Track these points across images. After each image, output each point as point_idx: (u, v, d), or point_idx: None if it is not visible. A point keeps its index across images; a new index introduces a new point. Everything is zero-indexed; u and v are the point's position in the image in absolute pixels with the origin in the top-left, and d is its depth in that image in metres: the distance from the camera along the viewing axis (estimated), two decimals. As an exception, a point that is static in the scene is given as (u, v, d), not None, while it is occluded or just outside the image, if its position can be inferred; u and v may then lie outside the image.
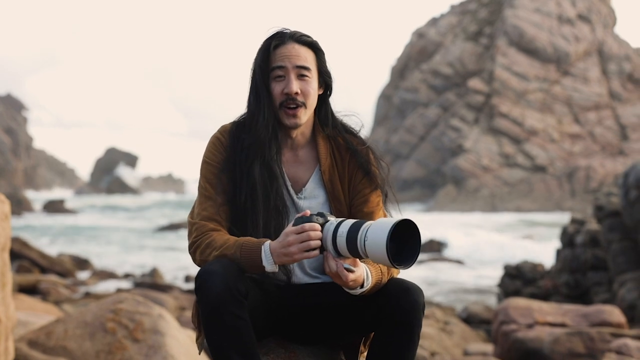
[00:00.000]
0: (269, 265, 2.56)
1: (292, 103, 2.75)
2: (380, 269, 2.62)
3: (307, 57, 2.78)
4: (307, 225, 2.48)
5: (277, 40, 2.77)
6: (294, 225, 2.51)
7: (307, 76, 2.77)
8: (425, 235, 33.38)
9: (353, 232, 2.44)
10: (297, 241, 2.49)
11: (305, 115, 2.79)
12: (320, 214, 2.53)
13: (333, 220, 2.52)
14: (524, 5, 63.39)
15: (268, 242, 2.58)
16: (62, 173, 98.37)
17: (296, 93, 2.74)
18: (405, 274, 2.79)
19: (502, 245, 30.12)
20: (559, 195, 53.34)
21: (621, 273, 14.05)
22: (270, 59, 2.77)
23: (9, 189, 65.27)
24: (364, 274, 2.55)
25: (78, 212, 51.03)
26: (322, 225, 2.50)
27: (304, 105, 2.77)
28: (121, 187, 77.44)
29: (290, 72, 2.75)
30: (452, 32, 67.73)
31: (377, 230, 2.38)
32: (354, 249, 2.44)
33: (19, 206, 46.53)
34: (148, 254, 28.04)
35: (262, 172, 2.75)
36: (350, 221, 2.48)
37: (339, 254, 2.49)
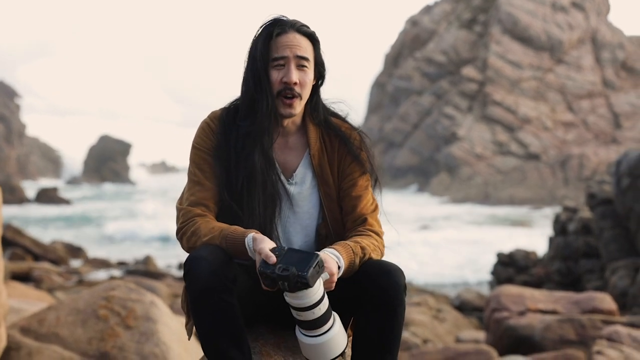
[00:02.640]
0: (254, 256, 2.57)
1: (289, 93, 2.76)
2: (353, 251, 2.63)
3: (306, 48, 2.79)
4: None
5: (279, 29, 2.77)
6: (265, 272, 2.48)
7: (305, 67, 2.78)
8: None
9: (303, 324, 2.56)
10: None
11: (300, 106, 2.80)
12: (300, 279, 2.45)
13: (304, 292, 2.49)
14: (518, -7, 63.30)
15: (252, 234, 2.59)
16: (55, 160, 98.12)
17: (295, 83, 2.75)
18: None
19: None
20: (552, 184, 53.43)
21: (613, 260, 14.11)
22: (272, 47, 2.76)
23: (1, 177, 65.12)
24: (335, 263, 2.56)
25: (71, 201, 50.94)
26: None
27: (299, 96, 2.78)
28: (116, 177, 77.31)
29: (291, 62, 2.76)
30: (446, 20, 67.63)
31: (315, 350, 2.57)
32: (296, 323, 2.58)
33: (12, 194, 46.42)
34: (142, 242, 28.05)
35: (260, 159, 2.75)
36: (310, 316, 2.52)
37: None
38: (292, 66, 2.76)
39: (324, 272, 2.50)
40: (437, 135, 60.21)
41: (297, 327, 2.60)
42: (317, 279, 2.45)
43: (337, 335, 2.56)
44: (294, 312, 2.53)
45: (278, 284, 2.45)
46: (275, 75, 2.76)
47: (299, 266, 2.42)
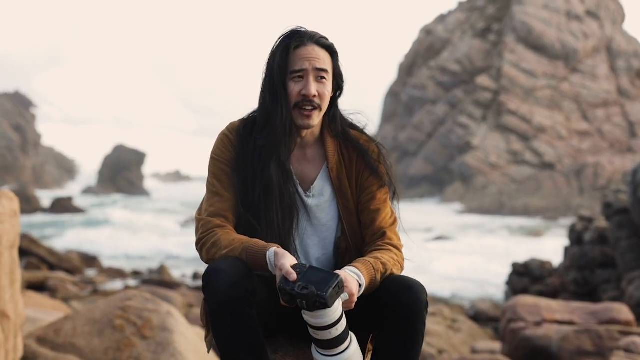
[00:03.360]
0: (274, 271, 2.57)
1: (308, 105, 2.76)
2: (373, 267, 2.62)
3: (325, 60, 2.79)
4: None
5: (297, 41, 2.77)
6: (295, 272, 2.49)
7: (324, 79, 2.78)
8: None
9: (319, 344, 2.55)
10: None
11: (319, 118, 2.80)
12: (319, 299, 2.45)
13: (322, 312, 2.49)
14: (532, 2, 63.21)
15: (274, 248, 2.59)
16: (70, 170, 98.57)
17: (314, 95, 2.75)
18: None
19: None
20: (567, 193, 53.22)
21: (630, 270, 14.02)
22: (290, 60, 2.77)
23: (17, 186, 65.42)
24: (356, 282, 2.55)
25: (86, 211, 51.10)
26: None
27: (319, 107, 2.78)
28: (131, 187, 77.57)
29: (310, 74, 2.76)
30: (460, 29, 67.60)
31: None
32: (313, 341, 2.58)
33: (28, 204, 46.63)
34: (157, 251, 28.09)
35: (277, 171, 2.76)
36: (327, 336, 2.51)
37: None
38: (311, 78, 2.76)
39: (344, 292, 2.49)
40: (452, 145, 60.10)
41: (313, 345, 2.59)
42: (336, 300, 2.45)
43: (353, 356, 2.55)
44: (311, 331, 2.53)
45: (297, 301, 2.45)
46: (294, 87, 2.76)
47: (318, 286, 2.42)
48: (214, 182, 2.80)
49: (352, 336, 2.58)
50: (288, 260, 2.51)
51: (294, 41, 2.78)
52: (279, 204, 2.76)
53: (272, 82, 2.78)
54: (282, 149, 2.77)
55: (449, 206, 54.85)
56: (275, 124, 2.75)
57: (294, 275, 2.45)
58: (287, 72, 2.77)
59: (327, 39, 2.83)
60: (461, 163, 57.95)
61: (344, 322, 2.51)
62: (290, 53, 2.77)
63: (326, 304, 2.41)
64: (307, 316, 2.48)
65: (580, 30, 62.69)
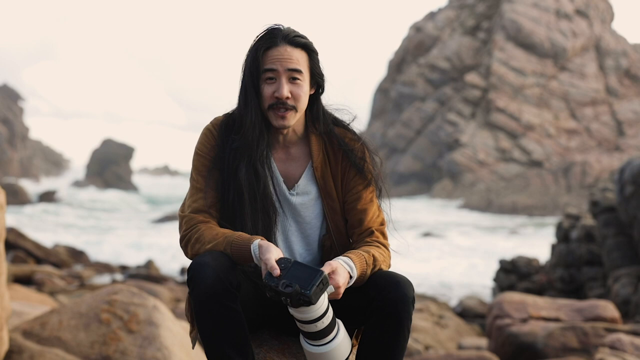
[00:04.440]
0: (259, 263, 2.57)
1: (282, 107, 2.73)
2: (366, 261, 2.63)
3: (299, 60, 2.74)
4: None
5: (269, 42, 2.73)
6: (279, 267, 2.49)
7: (298, 79, 2.74)
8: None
9: (308, 336, 2.56)
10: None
11: (295, 118, 2.77)
12: (303, 297, 2.47)
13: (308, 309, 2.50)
14: (522, 0, 63.33)
15: (258, 241, 2.58)
16: (58, 164, 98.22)
17: (287, 97, 2.72)
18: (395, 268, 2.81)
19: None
20: (555, 191, 53.39)
21: (616, 268, 14.08)
22: (261, 61, 2.73)
23: (4, 180, 65.18)
24: (346, 274, 2.56)
25: (73, 204, 50.95)
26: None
27: (294, 108, 2.75)
28: (119, 181, 77.36)
29: (282, 76, 2.72)
30: (450, 27, 67.67)
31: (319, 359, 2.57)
32: (301, 333, 2.59)
33: (15, 197, 46.46)
34: (144, 246, 28.02)
35: (248, 173, 2.74)
36: (313, 328, 2.53)
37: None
38: (284, 80, 2.72)
39: (329, 286, 2.50)
40: (440, 142, 60.20)
41: (301, 335, 2.60)
42: (320, 296, 2.45)
43: (341, 344, 2.57)
44: (297, 324, 2.54)
45: (281, 298, 2.45)
46: (267, 89, 2.73)
47: (302, 283, 2.42)
48: (197, 178, 2.79)
49: (340, 325, 2.59)
50: (273, 254, 2.51)
51: (264, 42, 2.74)
52: (250, 207, 2.74)
53: (243, 84, 2.76)
54: (253, 151, 2.74)
55: (436, 203, 54.93)
56: (247, 125, 2.73)
57: (277, 271, 2.45)
58: (259, 74, 2.74)
59: (303, 37, 2.78)
60: (450, 160, 58.05)
61: (330, 314, 2.52)
62: (261, 55, 2.73)
63: (310, 302, 2.43)
64: (293, 311, 2.50)
65: (569, 28, 62.87)
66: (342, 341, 2.57)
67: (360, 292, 2.64)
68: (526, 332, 8.53)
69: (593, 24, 64.47)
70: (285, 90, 2.71)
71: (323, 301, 2.48)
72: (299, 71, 2.73)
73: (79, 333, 5.58)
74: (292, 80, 2.73)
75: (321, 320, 2.50)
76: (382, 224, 2.85)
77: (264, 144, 2.77)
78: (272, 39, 2.74)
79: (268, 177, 2.78)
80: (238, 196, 2.73)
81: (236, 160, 2.74)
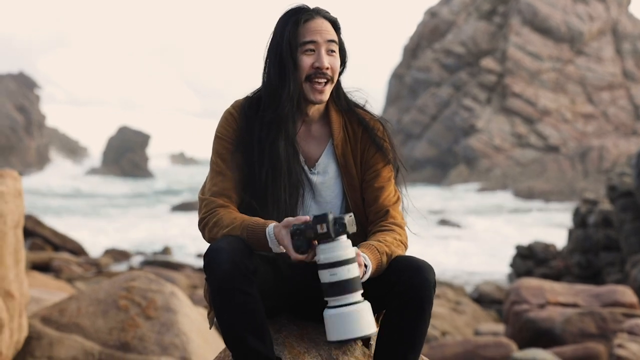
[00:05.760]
0: (275, 247, 2.58)
1: (322, 77, 2.76)
2: (378, 250, 2.61)
3: (333, 33, 2.80)
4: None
5: (307, 15, 2.78)
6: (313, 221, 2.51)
7: (334, 51, 2.79)
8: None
9: (332, 289, 2.50)
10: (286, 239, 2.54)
11: (329, 92, 2.80)
12: (339, 222, 2.49)
13: (336, 244, 2.50)
14: (537, -16, 62.88)
15: (273, 224, 2.58)
16: (75, 151, 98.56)
17: (327, 68, 2.75)
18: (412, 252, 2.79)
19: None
20: (572, 176, 53.13)
21: (633, 253, 14.02)
22: (300, 33, 2.76)
23: (21, 167, 65.51)
24: (361, 268, 2.55)
25: (90, 193, 51.20)
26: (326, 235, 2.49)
27: (331, 80, 2.78)
28: (135, 168, 77.60)
29: (322, 47, 2.76)
30: (465, 11, 67.28)
31: (346, 320, 2.49)
32: (323, 293, 2.53)
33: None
34: (162, 232, 28.15)
35: (285, 147, 2.75)
36: (343, 274, 2.48)
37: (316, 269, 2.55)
38: (323, 51, 2.76)
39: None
40: (456, 127, 59.98)
41: (326, 310, 2.54)
42: (352, 228, 2.50)
43: (366, 312, 2.51)
44: (326, 276, 2.49)
45: (313, 237, 2.47)
46: (306, 60, 2.75)
47: (334, 215, 2.49)
48: (217, 161, 2.79)
49: (366, 302, 2.56)
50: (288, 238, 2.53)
51: (303, 15, 2.77)
52: (287, 181, 2.74)
53: (279, 56, 2.76)
54: (289, 124, 2.75)
55: (453, 188, 54.81)
56: (282, 98, 2.73)
57: (303, 218, 2.50)
58: (297, 46, 2.75)
59: (330, 14, 2.83)
60: (465, 146, 57.85)
61: (357, 266, 2.51)
62: (300, 26, 2.76)
63: (345, 228, 2.46)
64: (325, 253, 2.48)
65: (585, 12, 62.38)
66: (368, 310, 2.52)
67: (380, 280, 2.62)
68: (544, 318, 8.52)
69: (610, 7, 63.92)
70: (326, 60, 2.75)
71: (350, 244, 2.51)
72: (336, 43, 2.79)
73: (97, 319, 5.61)
74: (330, 52, 2.78)
75: (353, 265, 2.48)
76: (397, 202, 2.84)
77: (300, 117, 2.81)
78: (309, 12, 2.79)
79: (299, 152, 2.80)
80: (273, 171, 2.73)
81: (271, 134, 2.74)
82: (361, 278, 2.53)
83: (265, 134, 2.75)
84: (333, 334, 2.51)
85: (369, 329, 2.51)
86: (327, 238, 2.47)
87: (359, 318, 2.49)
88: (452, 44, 64.03)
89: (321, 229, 2.45)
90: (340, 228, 2.46)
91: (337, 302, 2.50)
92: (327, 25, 2.79)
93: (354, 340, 2.53)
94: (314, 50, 2.76)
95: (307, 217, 2.50)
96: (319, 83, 2.75)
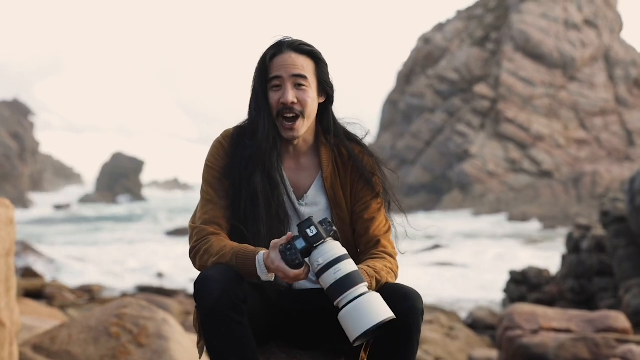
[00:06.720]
0: (264, 275, 2.58)
1: (289, 112, 2.75)
2: (367, 274, 2.61)
3: (304, 66, 2.77)
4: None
5: (275, 50, 2.78)
6: (298, 231, 2.53)
7: (303, 85, 2.76)
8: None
9: (341, 286, 2.49)
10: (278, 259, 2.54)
11: (304, 126, 2.79)
12: (325, 222, 2.56)
13: (330, 243, 2.54)
14: (530, 11, 63.33)
15: (262, 252, 2.59)
16: (69, 178, 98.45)
17: (292, 102, 2.74)
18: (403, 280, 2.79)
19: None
20: (565, 201, 53.22)
21: (627, 279, 14.02)
22: (268, 69, 2.77)
23: (15, 194, 65.37)
24: None
25: (84, 218, 51.08)
26: (320, 236, 2.53)
27: (301, 114, 2.76)
28: (128, 194, 77.48)
29: (287, 82, 2.75)
30: (459, 38, 67.68)
31: (361, 312, 2.45)
32: (332, 297, 2.51)
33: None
34: (154, 258, 28.05)
35: (263, 181, 2.75)
36: (347, 268, 2.50)
37: (316, 279, 2.55)
38: (289, 86, 2.75)
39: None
40: (450, 153, 60.11)
41: (338, 311, 2.52)
42: (335, 227, 2.62)
43: (379, 298, 2.50)
44: (330, 276, 2.49)
45: (306, 243, 2.51)
46: (274, 96, 2.76)
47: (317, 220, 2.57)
48: (207, 190, 2.80)
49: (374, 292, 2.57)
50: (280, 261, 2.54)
51: (270, 51, 2.78)
52: (265, 214, 2.75)
53: (254, 92, 2.80)
54: (266, 158, 2.76)
55: (446, 214, 54.82)
56: (260, 133, 2.75)
57: (286, 236, 2.54)
58: (266, 82, 2.77)
59: (309, 46, 2.81)
60: (459, 171, 57.96)
61: (352, 261, 2.54)
62: (267, 62, 2.77)
63: (332, 224, 2.53)
64: (324, 253, 2.51)
65: (578, 39, 62.81)
66: (378, 297, 2.50)
67: None
68: (537, 344, 8.50)
69: (602, 34, 64.39)
70: (291, 95, 2.74)
71: (339, 243, 2.56)
72: (303, 77, 2.76)
73: (88, 347, 5.59)
74: (298, 86, 2.76)
75: (350, 259, 2.52)
76: (388, 232, 2.85)
77: (277, 152, 2.80)
78: (278, 47, 2.79)
79: (281, 185, 2.80)
80: (252, 203, 2.74)
81: (249, 168, 2.75)
82: None
83: (244, 167, 2.76)
84: (356, 330, 2.46)
85: (387, 313, 2.47)
86: (319, 240, 2.50)
87: (375, 305, 2.47)
88: (445, 70, 64.35)
89: (311, 232, 2.50)
90: (328, 227, 2.53)
91: (349, 297, 2.48)
92: (296, 59, 2.76)
93: (377, 328, 2.47)
94: (280, 86, 2.76)
95: (290, 234, 2.53)
96: (287, 119, 2.75)
